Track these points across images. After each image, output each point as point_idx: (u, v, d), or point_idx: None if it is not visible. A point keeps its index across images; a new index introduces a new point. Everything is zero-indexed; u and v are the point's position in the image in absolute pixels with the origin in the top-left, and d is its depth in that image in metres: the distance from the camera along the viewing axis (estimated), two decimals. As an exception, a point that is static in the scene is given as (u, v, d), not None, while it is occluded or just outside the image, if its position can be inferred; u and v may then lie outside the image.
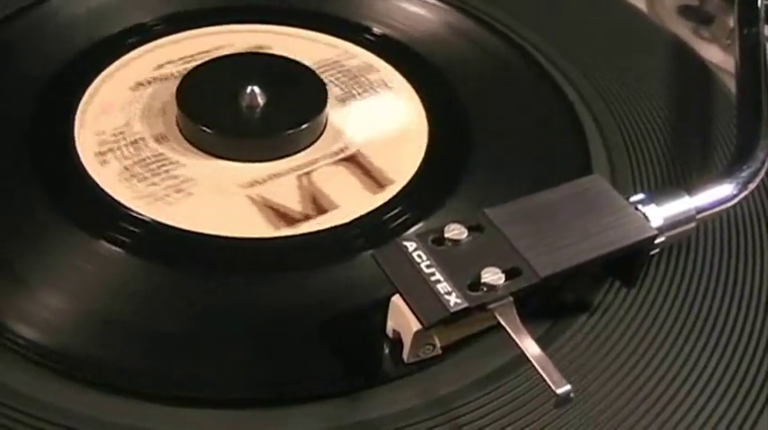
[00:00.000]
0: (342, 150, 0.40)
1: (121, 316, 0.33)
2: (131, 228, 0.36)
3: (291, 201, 0.38)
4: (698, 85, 0.47)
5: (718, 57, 0.53)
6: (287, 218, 0.37)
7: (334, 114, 0.42)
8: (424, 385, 0.32)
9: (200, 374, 0.31)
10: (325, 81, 0.43)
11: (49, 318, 0.32)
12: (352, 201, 0.38)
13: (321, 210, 0.37)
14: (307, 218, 0.37)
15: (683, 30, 0.56)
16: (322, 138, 0.41)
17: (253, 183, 0.38)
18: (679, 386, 0.33)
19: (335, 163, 0.40)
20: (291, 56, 0.44)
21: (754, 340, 0.35)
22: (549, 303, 0.34)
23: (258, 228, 0.36)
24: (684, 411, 0.32)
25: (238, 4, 0.49)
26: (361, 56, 0.46)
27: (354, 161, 0.40)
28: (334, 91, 0.43)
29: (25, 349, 0.31)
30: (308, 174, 0.39)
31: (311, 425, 0.30)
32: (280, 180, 0.39)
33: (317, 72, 0.43)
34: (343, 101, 0.43)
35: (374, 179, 0.39)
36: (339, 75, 0.45)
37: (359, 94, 0.44)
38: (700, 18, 0.57)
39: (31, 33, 0.45)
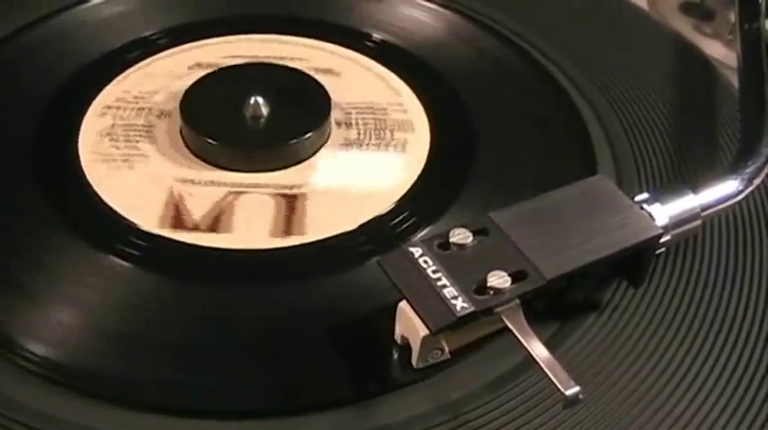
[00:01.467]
0: (292, 187, 0.39)
1: (129, 329, 0.33)
2: (139, 243, 0.36)
3: (198, 209, 0.38)
4: (700, 81, 0.47)
5: (721, 52, 0.53)
6: (176, 220, 0.37)
7: (325, 152, 0.41)
8: (434, 390, 0.32)
9: (211, 385, 0.31)
10: (353, 122, 0.42)
11: (58, 334, 0.33)
12: (246, 233, 0.37)
13: (212, 228, 0.37)
14: (195, 228, 0.37)
15: (684, 26, 0.56)
16: (294, 167, 0.40)
17: (186, 181, 0.39)
18: (689, 385, 0.33)
19: (273, 195, 0.39)
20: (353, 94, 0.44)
21: (762, 339, 0.34)
22: (557, 304, 0.34)
23: (143, 216, 0.37)
24: (695, 410, 0.32)
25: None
26: (412, 111, 0.44)
27: (291, 202, 0.38)
28: (349, 133, 0.42)
29: (35, 364, 0.32)
30: (238, 194, 0.39)
31: (321, 433, 0.31)
32: (210, 189, 0.39)
33: (355, 111, 0.43)
34: (348, 145, 0.42)
35: (288, 225, 0.37)
36: (372, 121, 0.43)
37: (368, 145, 0.42)
38: (701, 14, 0.57)
39: (34, 49, 0.46)
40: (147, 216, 0.37)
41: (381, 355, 0.32)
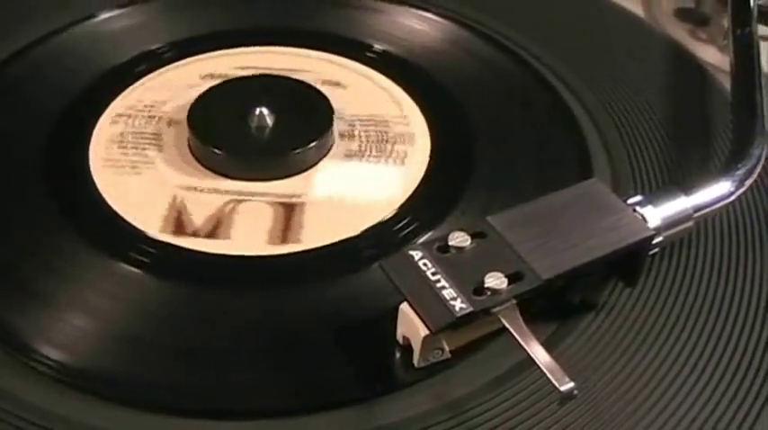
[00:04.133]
0: (291, 196, 0.40)
1: (141, 334, 0.34)
2: (150, 250, 0.37)
3: (199, 216, 0.39)
4: (694, 85, 0.48)
5: (716, 57, 0.54)
6: (178, 225, 0.38)
7: (327, 162, 0.42)
8: (437, 389, 0.33)
9: (219, 387, 0.32)
10: (355, 133, 0.43)
11: (72, 339, 0.34)
12: (243, 240, 0.38)
13: (212, 234, 0.38)
14: (194, 234, 0.38)
15: (679, 32, 0.57)
16: (296, 177, 0.41)
17: (190, 188, 0.40)
18: (682, 382, 0.33)
19: (271, 203, 0.40)
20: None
21: (755, 336, 0.35)
22: (555, 304, 0.35)
23: (147, 221, 0.38)
24: (687, 407, 0.32)
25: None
26: (415, 125, 0.44)
27: (289, 211, 0.39)
28: (351, 144, 0.43)
29: (50, 369, 0.33)
30: (238, 202, 0.40)
31: (326, 431, 0.31)
32: (212, 196, 0.40)
33: (359, 123, 0.44)
34: (349, 157, 0.43)
35: (285, 232, 0.38)
36: (375, 134, 0.44)
37: (369, 156, 0.43)
38: (696, 20, 0.58)
39: (49, 61, 0.48)
40: (150, 221, 0.38)
41: (384, 356, 0.33)
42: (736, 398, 0.33)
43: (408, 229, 0.39)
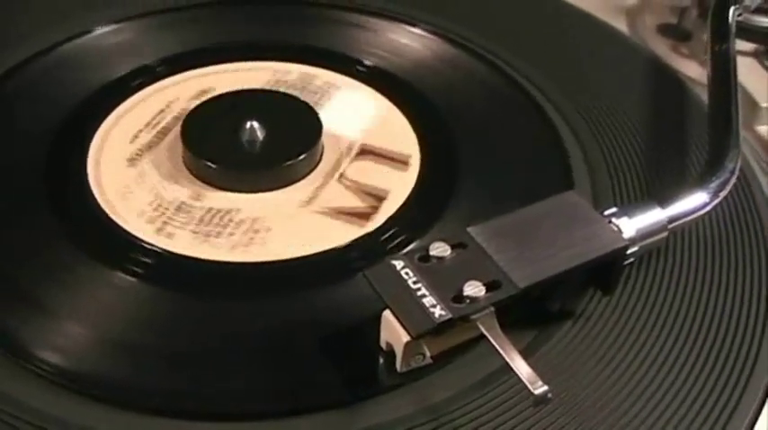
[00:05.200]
0: (350, 149, 0.45)
1: (136, 339, 0.35)
2: (144, 259, 0.38)
3: (352, 200, 0.41)
4: (675, 99, 0.50)
5: (697, 72, 0.55)
6: (360, 215, 0.41)
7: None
8: (419, 393, 0.34)
9: (207, 390, 0.34)
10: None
11: (70, 344, 0.35)
12: (392, 184, 0.42)
13: (379, 198, 0.42)
14: (374, 209, 0.41)
15: (662, 47, 0.58)
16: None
17: (309, 201, 0.42)
18: (657, 387, 0.34)
19: (353, 160, 0.44)
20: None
21: (728, 342, 0.36)
22: (535, 312, 0.37)
23: (344, 232, 0.40)
24: (662, 410, 0.34)
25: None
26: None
27: (368, 152, 0.44)
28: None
29: (49, 373, 0.34)
30: (342, 175, 0.43)
31: (314, 433, 0.33)
32: (326, 189, 0.42)
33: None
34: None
35: (394, 159, 0.44)
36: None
37: (318, 101, 0.47)
38: (678, 35, 0.59)
39: (49, 73, 0.49)
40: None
41: (368, 361, 0.34)
42: (706, 404, 0.34)
43: (396, 241, 0.40)
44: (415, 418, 0.33)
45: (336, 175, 0.43)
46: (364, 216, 0.41)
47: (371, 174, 0.43)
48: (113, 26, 0.52)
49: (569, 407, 0.34)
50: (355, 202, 0.42)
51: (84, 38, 0.51)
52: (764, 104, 0.53)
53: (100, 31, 0.52)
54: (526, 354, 0.35)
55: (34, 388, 0.34)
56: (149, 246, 0.39)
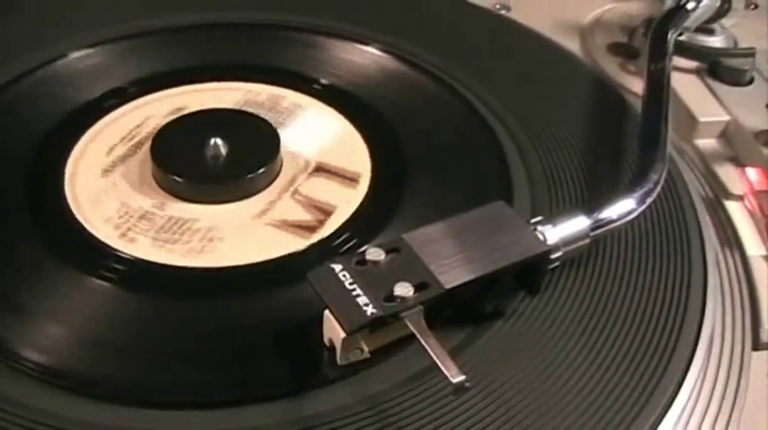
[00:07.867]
0: (306, 166, 0.48)
1: (109, 338, 0.39)
2: (116, 266, 0.42)
3: (301, 214, 0.45)
4: (615, 114, 0.53)
5: (642, 88, 0.58)
6: (307, 228, 0.44)
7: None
8: (358, 385, 0.37)
9: (169, 382, 0.37)
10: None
11: (49, 342, 0.39)
12: (339, 199, 0.46)
13: (326, 212, 0.45)
14: (320, 223, 0.44)
15: (611, 65, 0.62)
16: (284, 165, 0.48)
17: (262, 213, 0.45)
18: (585, 383, 0.37)
19: (308, 176, 0.47)
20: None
21: (646, 341, 0.39)
22: (469, 312, 0.40)
23: (292, 243, 0.43)
24: (587, 405, 0.36)
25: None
26: (265, 91, 0.53)
27: (322, 169, 0.48)
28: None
29: (30, 369, 0.37)
30: (296, 190, 0.47)
31: (262, 420, 0.36)
32: (279, 203, 0.46)
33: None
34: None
35: (344, 177, 0.47)
36: (258, 111, 0.51)
37: (283, 121, 0.51)
38: (626, 54, 0.62)
39: (30, 94, 0.53)
40: (287, 243, 0.44)
41: (312, 356, 0.38)
42: (630, 399, 0.37)
43: (348, 245, 0.43)
44: (354, 408, 0.36)
45: (291, 191, 0.47)
46: (310, 229, 0.44)
47: (323, 190, 0.47)
48: (86, 51, 0.56)
49: (500, 401, 0.37)
50: (304, 216, 0.45)
51: (66, 59, 0.55)
52: (703, 119, 0.56)
53: (74, 55, 0.55)
54: (459, 350, 0.38)
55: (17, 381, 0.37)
56: (112, 251, 0.43)
